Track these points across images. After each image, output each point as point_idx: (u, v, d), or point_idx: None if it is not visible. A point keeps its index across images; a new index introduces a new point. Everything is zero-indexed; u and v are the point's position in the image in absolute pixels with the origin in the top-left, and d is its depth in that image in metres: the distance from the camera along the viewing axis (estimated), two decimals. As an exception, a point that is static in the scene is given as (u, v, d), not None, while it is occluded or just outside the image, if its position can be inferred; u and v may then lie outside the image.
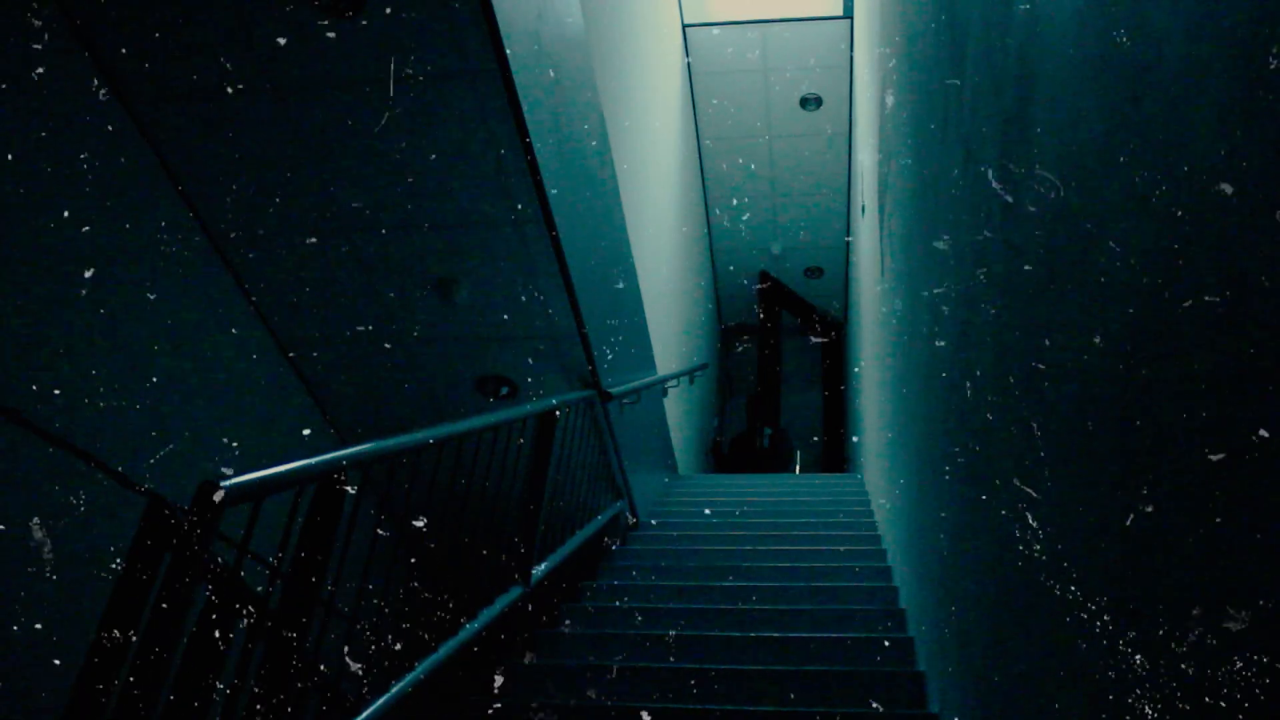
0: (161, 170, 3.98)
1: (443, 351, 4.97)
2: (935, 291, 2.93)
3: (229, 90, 3.72)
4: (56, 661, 3.37)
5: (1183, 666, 1.01)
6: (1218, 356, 0.94)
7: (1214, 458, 0.94)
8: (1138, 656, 1.14)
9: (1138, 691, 1.14)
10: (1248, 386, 0.88)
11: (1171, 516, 1.05)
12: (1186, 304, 1.01)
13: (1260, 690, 0.84)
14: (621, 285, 5.72)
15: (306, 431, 5.14)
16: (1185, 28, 1.03)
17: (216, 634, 1.96)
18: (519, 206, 4.13)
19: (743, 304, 12.87)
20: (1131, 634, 1.16)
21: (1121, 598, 1.20)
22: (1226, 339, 0.92)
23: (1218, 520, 0.93)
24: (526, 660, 3.72)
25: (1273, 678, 0.82)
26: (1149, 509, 1.11)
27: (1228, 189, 0.92)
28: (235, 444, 4.47)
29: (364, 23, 3.47)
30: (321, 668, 2.69)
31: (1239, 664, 0.88)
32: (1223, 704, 0.91)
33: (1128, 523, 1.18)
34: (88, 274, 3.62)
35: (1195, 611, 0.98)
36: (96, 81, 3.64)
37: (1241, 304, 0.89)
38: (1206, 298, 0.97)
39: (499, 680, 3.52)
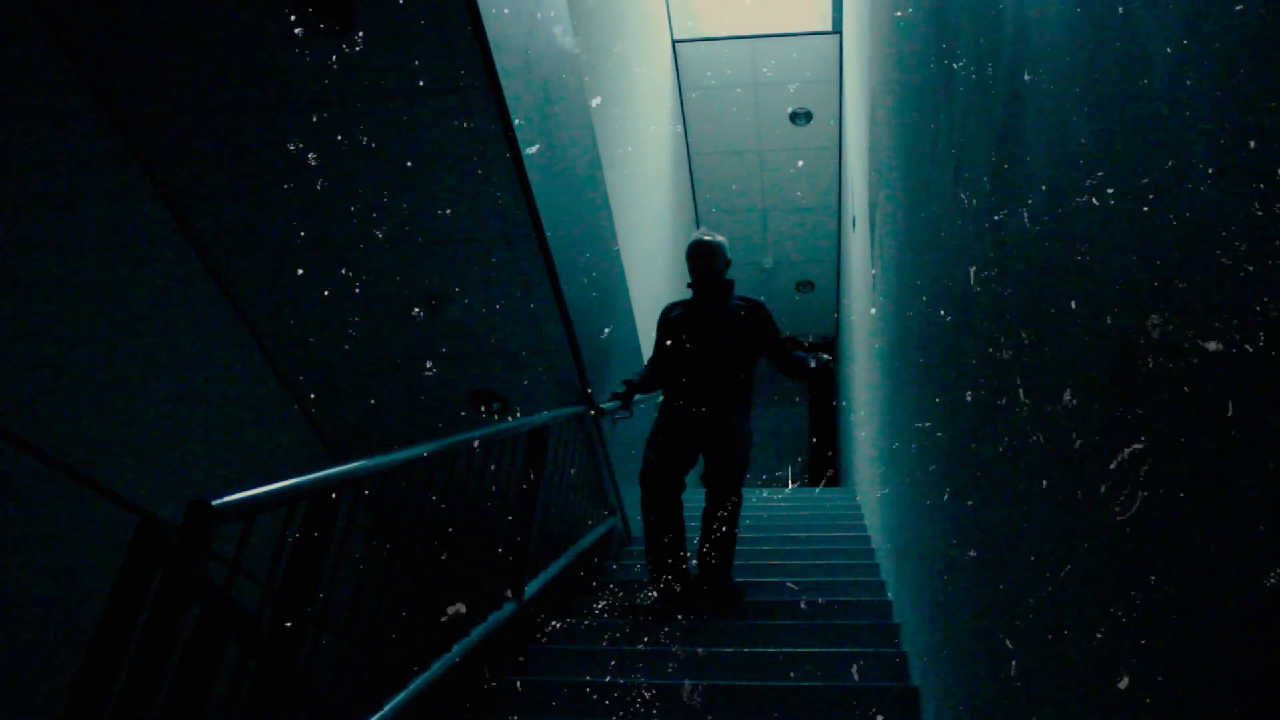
0: (150, 185, 3.98)
1: (434, 367, 4.96)
2: (926, 307, 2.94)
3: (217, 106, 3.72)
4: (48, 680, 3.34)
5: (1181, 678, 1.01)
6: (1213, 370, 0.94)
7: (1211, 463, 0.95)
8: (1135, 669, 1.14)
9: (1134, 706, 1.14)
10: (1241, 399, 0.88)
11: (1170, 524, 1.05)
12: (1179, 318, 1.02)
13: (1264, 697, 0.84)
14: (613, 299, 5.73)
15: (298, 447, 5.12)
16: (1174, 43, 1.04)
17: (208, 653, 1.95)
18: (510, 222, 4.14)
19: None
20: (1128, 646, 1.16)
21: (1117, 607, 1.20)
22: (1221, 353, 0.93)
23: (1219, 524, 0.93)
24: (519, 676, 3.70)
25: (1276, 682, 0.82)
26: (1145, 519, 1.11)
27: (1219, 202, 0.93)
28: (226, 461, 4.45)
29: (354, 40, 3.48)
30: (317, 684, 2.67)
31: (1242, 672, 0.88)
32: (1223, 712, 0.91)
33: (1125, 533, 1.18)
34: (77, 290, 3.61)
35: (1194, 622, 0.98)
36: (86, 97, 3.63)
37: (1235, 318, 0.89)
38: (1199, 311, 0.97)
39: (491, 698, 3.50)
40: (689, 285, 4.62)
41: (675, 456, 4.42)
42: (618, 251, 5.93)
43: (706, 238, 4.68)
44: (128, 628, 1.79)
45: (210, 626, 1.96)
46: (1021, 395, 1.67)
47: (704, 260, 4.60)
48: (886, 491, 4.62)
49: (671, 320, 4.63)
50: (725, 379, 4.43)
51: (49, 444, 3.44)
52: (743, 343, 4.47)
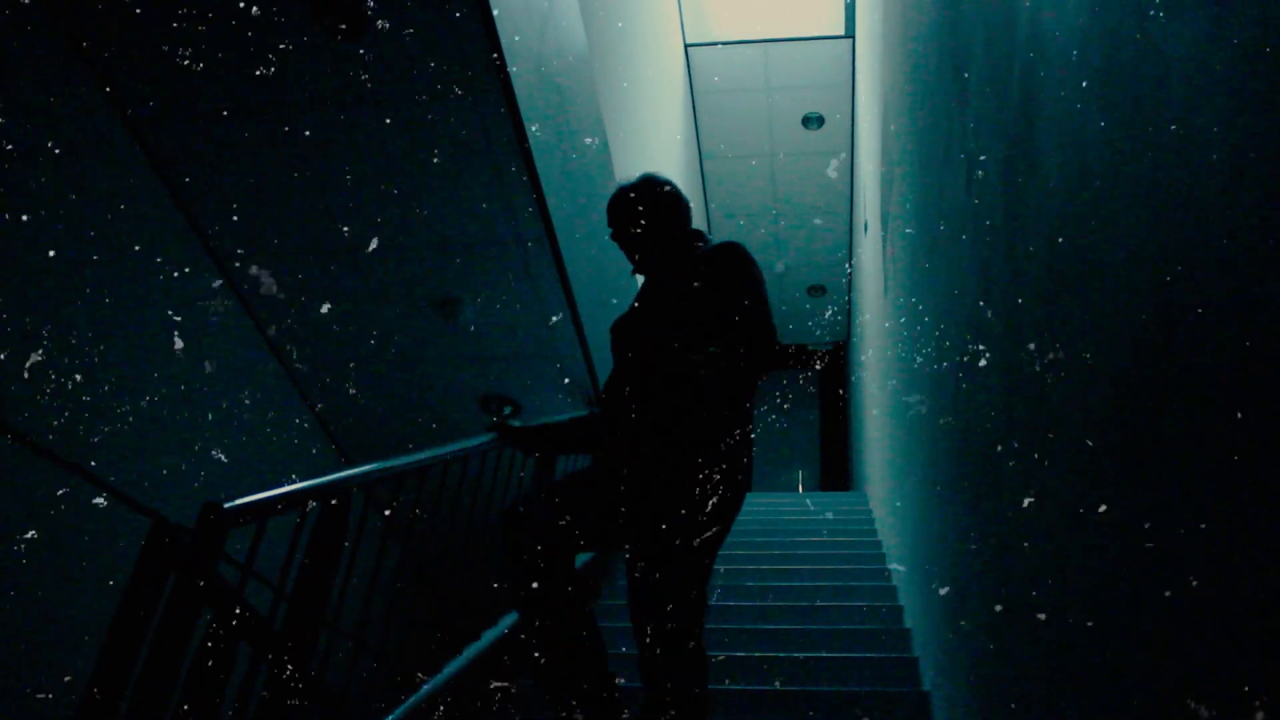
0: (164, 188, 3.99)
1: (446, 370, 4.97)
2: (939, 311, 2.93)
3: (231, 110, 3.73)
4: (60, 682, 3.36)
5: (1186, 678, 1.00)
6: (1221, 378, 0.94)
7: (1219, 467, 0.94)
8: (1142, 670, 1.13)
9: (1143, 706, 1.13)
10: (1248, 406, 0.88)
11: (1176, 526, 1.04)
12: (1192, 324, 1.01)
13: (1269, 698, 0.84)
14: (625, 301, 5.72)
15: (310, 451, 5.13)
16: (1191, 46, 1.03)
17: (221, 655, 1.95)
18: (522, 225, 4.14)
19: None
20: (1136, 645, 1.15)
21: (1126, 606, 1.19)
22: (1231, 362, 0.92)
23: (1223, 526, 0.93)
24: (530, 678, 3.70)
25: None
26: (1152, 520, 1.11)
27: (1235, 207, 0.92)
28: (238, 464, 4.46)
29: (367, 44, 3.49)
30: (328, 686, 2.67)
31: (1248, 678, 0.87)
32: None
33: (1132, 533, 1.17)
34: (89, 292, 3.63)
35: (1202, 620, 0.98)
36: (100, 100, 3.65)
37: (1248, 327, 0.89)
38: (1213, 316, 0.97)
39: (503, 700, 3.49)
40: (633, 273, 2.84)
41: (583, 509, 2.33)
42: (629, 255, 5.92)
43: (627, 185, 2.84)
44: (141, 630, 1.80)
45: (223, 628, 1.97)
46: (1034, 401, 1.67)
47: (626, 216, 2.77)
48: (898, 496, 4.60)
49: (614, 328, 2.66)
50: (692, 390, 2.32)
51: (60, 446, 3.46)
52: (706, 320, 2.43)
